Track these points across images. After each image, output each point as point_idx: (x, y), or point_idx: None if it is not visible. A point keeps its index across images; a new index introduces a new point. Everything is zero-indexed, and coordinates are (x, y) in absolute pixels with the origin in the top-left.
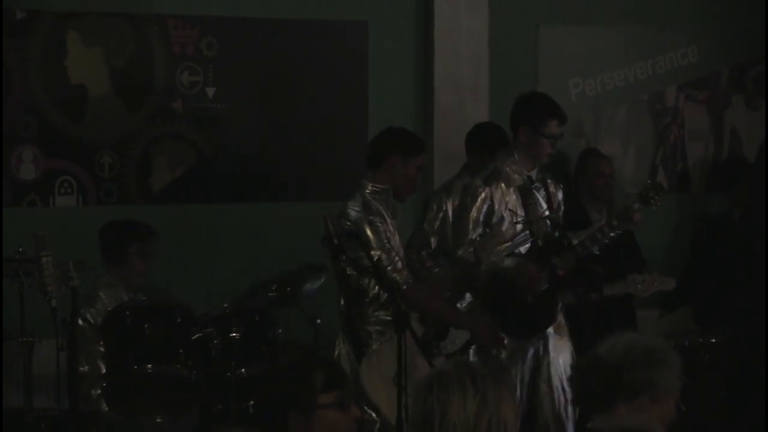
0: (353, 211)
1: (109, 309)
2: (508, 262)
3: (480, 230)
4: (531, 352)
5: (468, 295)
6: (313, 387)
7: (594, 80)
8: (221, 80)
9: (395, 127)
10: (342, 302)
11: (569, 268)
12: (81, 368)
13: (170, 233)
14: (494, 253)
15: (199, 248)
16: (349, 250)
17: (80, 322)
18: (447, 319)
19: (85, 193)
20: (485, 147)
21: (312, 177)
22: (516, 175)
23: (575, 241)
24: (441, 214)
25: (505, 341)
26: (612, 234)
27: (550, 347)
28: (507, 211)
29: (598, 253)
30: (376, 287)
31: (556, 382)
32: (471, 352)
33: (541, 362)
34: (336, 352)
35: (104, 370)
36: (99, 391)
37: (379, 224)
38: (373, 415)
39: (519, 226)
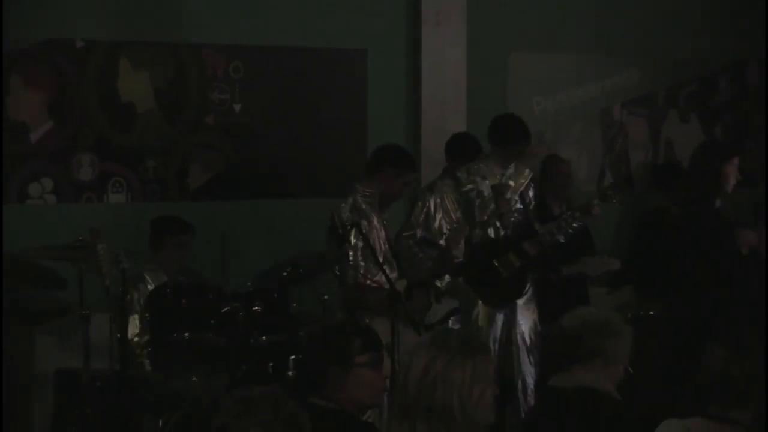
0: (344, 211)
1: (152, 288)
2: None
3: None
4: (501, 318)
5: (447, 276)
6: (352, 348)
7: (554, 99)
8: (246, 98)
9: (396, 145)
10: (340, 285)
11: (535, 252)
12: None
13: (204, 225)
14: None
15: (227, 236)
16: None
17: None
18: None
19: (133, 192)
20: (462, 154)
21: (321, 177)
22: (489, 178)
23: (540, 229)
24: (425, 210)
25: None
26: (574, 224)
27: (518, 316)
28: (478, 201)
29: (563, 240)
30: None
31: (520, 343)
32: (450, 322)
33: (510, 327)
34: None
35: (149, 338)
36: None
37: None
38: None
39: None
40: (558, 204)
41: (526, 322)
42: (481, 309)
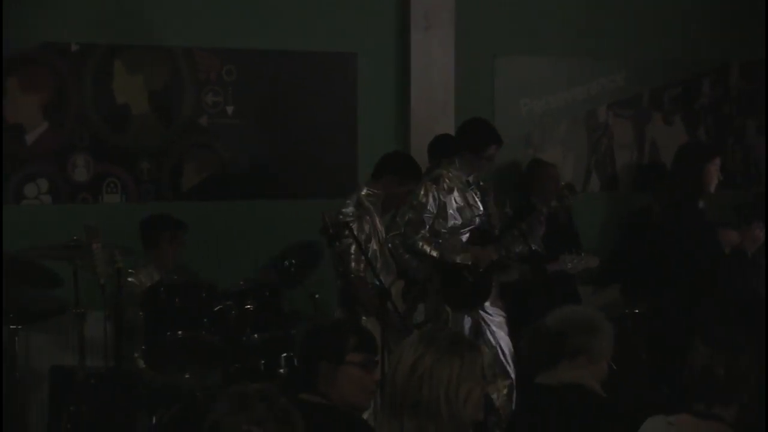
0: (349, 206)
1: (146, 286)
2: (463, 258)
3: (430, 222)
4: (469, 322)
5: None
6: (345, 345)
7: (540, 101)
8: (239, 100)
9: (401, 153)
10: (338, 282)
11: (511, 248)
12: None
13: (197, 225)
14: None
15: (220, 236)
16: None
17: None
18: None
19: (127, 192)
20: (444, 154)
21: (313, 179)
22: (456, 178)
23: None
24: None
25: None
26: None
27: (487, 318)
28: (453, 204)
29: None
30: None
31: (494, 342)
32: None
33: (480, 329)
34: None
35: (143, 336)
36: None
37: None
38: None
39: (463, 218)
40: (547, 206)
41: (497, 330)
42: (449, 314)
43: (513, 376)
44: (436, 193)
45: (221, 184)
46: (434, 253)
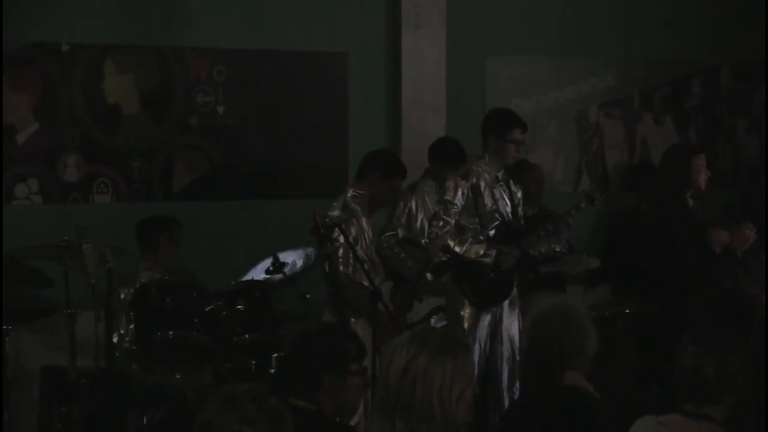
0: (335, 209)
1: (137, 287)
2: (484, 255)
3: (456, 216)
4: (487, 320)
5: (429, 275)
6: (348, 356)
7: (531, 101)
8: (230, 100)
9: (386, 151)
10: (327, 284)
11: (534, 248)
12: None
13: (188, 225)
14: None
15: (211, 236)
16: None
17: (122, 296)
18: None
19: (118, 192)
20: (444, 157)
21: (303, 179)
22: (486, 174)
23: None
24: (406, 210)
25: (467, 309)
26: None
27: (504, 316)
28: (482, 202)
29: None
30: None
31: (507, 344)
32: (432, 320)
33: (496, 329)
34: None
35: (134, 336)
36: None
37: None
38: None
39: (492, 215)
40: (530, 207)
41: (513, 325)
42: (468, 310)
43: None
44: (464, 189)
45: (212, 184)
46: (457, 248)
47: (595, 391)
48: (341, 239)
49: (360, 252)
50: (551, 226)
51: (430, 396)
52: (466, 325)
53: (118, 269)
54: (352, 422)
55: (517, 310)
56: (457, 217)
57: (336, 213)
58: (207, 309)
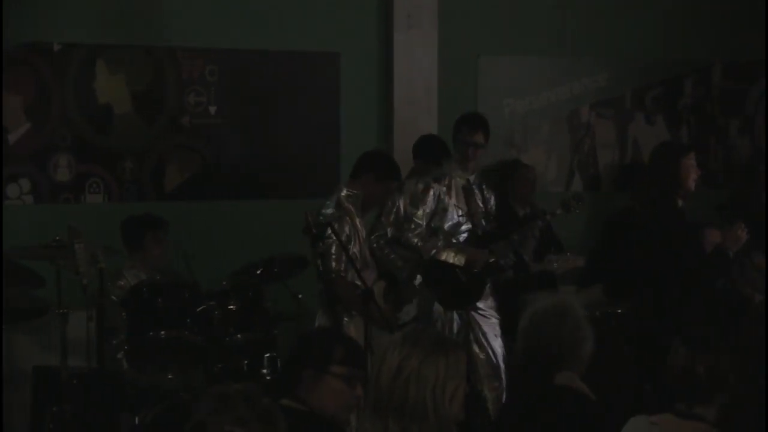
0: (329, 208)
1: (129, 287)
2: (454, 258)
3: (427, 220)
4: (458, 322)
5: (419, 277)
6: (331, 355)
7: (523, 101)
8: (221, 100)
9: (380, 152)
10: (319, 283)
11: (504, 254)
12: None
13: (179, 225)
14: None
15: (203, 236)
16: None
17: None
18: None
19: (110, 192)
20: (429, 155)
21: (295, 178)
22: (458, 178)
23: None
24: (394, 209)
25: (440, 311)
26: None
27: (479, 318)
28: (451, 203)
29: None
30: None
31: (486, 345)
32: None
33: (472, 329)
34: (316, 324)
35: (126, 336)
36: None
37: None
38: None
39: (461, 219)
40: (522, 207)
41: (489, 330)
42: (440, 312)
43: (504, 379)
44: (436, 191)
45: (204, 184)
46: (425, 250)
47: (590, 392)
48: (333, 237)
49: (353, 251)
50: (518, 236)
51: (423, 395)
52: (438, 325)
53: (109, 269)
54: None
55: (492, 311)
56: (427, 220)
57: (329, 211)
58: (199, 309)
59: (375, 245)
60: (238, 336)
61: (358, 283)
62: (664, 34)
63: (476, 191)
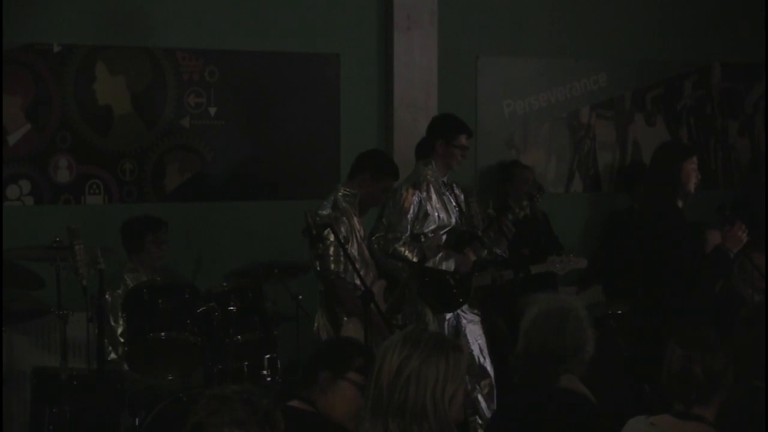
0: (326, 208)
1: (129, 288)
2: (445, 263)
3: (411, 226)
4: (447, 323)
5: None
6: (350, 361)
7: (523, 101)
8: (221, 101)
9: (378, 151)
10: (318, 283)
11: (479, 255)
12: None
13: (179, 226)
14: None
15: (203, 237)
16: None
17: (108, 298)
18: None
19: (110, 193)
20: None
21: (295, 180)
22: (434, 180)
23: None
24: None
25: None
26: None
27: (463, 320)
28: (431, 207)
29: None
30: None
31: (473, 345)
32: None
33: (459, 330)
34: (315, 325)
35: (126, 337)
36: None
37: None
38: None
39: (441, 221)
40: (521, 208)
41: (474, 330)
42: (430, 314)
43: (492, 374)
44: (416, 197)
45: (204, 185)
46: (415, 258)
47: (590, 395)
48: (332, 238)
49: (351, 251)
50: (493, 234)
51: (423, 396)
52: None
53: (107, 271)
54: None
55: (476, 312)
56: (411, 227)
57: (326, 212)
58: (199, 310)
59: (376, 246)
60: (238, 337)
61: (358, 283)
62: (664, 35)
63: (452, 191)
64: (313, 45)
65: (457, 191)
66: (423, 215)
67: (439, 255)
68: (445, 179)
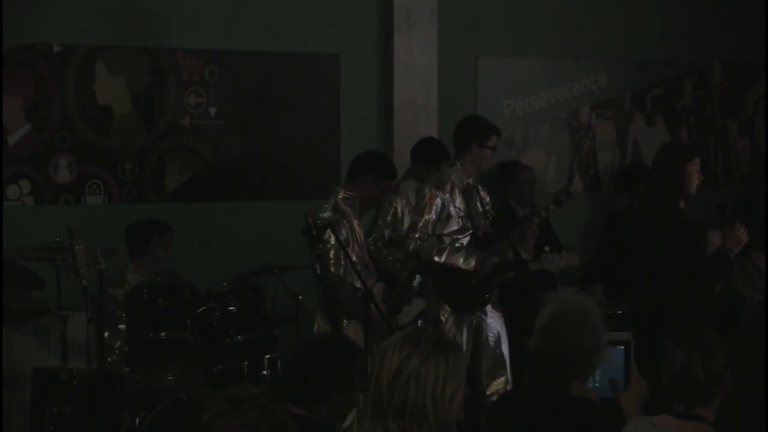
0: (326, 211)
1: (129, 288)
2: (464, 263)
3: (432, 227)
4: (468, 324)
5: (418, 276)
6: (354, 372)
7: (523, 102)
8: (221, 101)
9: (376, 152)
10: (318, 286)
11: (504, 254)
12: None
13: (179, 226)
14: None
15: (203, 237)
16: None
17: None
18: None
19: (110, 193)
20: (431, 158)
21: (295, 180)
22: (458, 181)
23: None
24: (392, 211)
25: (449, 314)
26: (536, 227)
27: (487, 320)
28: (454, 209)
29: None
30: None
31: (494, 346)
32: (419, 322)
33: (480, 330)
34: (315, 327)
35: (126, 337)
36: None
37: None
38: None
39: (466, 222)
40: (522, 208)
41: (498, 331)
42: (449, 315)
43: (509, 370)
44: (439, 198)
45: (204, 185)
46: (437, 258)
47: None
48: (332, 240)
49: (351, 253)
50: (517, 235)
51: (423, 396)
52: (446, 328)
53: (108, 271)
54: (345, 424)
55: (499, 312)
56: (432, 228)
57: (327, 215)
58: (199, 310)
59: (373, 247)
60: (239, 337)
61: (358, 285)
62: (664, 35)
63: (475, 193)
64: (313, 45)
65: (482, 193)
66: (446, 216)
67: (460, 255)
68: (470, 181)
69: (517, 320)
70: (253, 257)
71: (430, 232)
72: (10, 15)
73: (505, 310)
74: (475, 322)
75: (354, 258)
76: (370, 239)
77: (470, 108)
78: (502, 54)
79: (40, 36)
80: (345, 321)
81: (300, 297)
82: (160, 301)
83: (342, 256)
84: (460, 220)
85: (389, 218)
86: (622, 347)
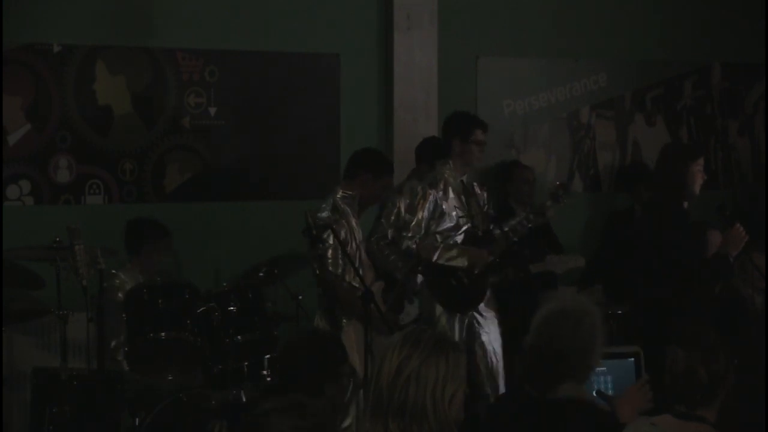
0: (324, 211)
1: (129, 288)
2: (459, 261)
3: (426, 225)
4: (461, 324)
5: (420, 276)
6: (338, 360)
7: (523, 101)
8: (221, 101)
9: (374, 149)
10: (318, 285)
11: (499, 253)
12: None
13: (179, 226)
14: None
15: (203, 237)
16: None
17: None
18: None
19: (110, 193)
20: (433, 157)
21: (295, 180)
22: (452, 179)
23: (499, 231)
24: (395, 211)
25: (441, 313)
26: (529, 225)
27: (480, 319)
28: (448, 206)
29: (516, 240)
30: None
31: (488, 346)
32: (419, 322)
33: (474, 331)
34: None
35: (126, 337)
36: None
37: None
38: None
39: (460, 220)
40: (522, 208)
41: (491, 331)
42: (442, 314)
43: (502, 376)
44: (432, 196)
45: (204, 185)
46: (427, 256)
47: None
48: (331, 240)
49: (350, 253)
50: (511, 233)
51: (423, 396)
52: (438, 327)
53: (107, 270)
54: (345, 423)
55: (493, 312)
56: (425, 226)
57: (325, 214)
58: (199, 310)
59: (375, 247)
60: (239, 337)
61: (356, 284)
62: (664, 35)
63: (472, 190)
64: (313, 45)
65: (478, 191)
66: (439, 214)
67: (453, 253)
68: (464, 179)
69: (519, 321)
70: (253, 257)
71: (423, 231)
72: (10, 15)
73: (506, 311)
74: (467, 321)
75: (352, 257)
76: (372, 239)
77: (470, 108)
78: (502, 54)
79: (40, 36)
80: (344, 320)
81: (300, 297)
82: (160, 301)
83: (340, 256)
84: (455, 217)
85: (392, 218)
86: (632, 359)
